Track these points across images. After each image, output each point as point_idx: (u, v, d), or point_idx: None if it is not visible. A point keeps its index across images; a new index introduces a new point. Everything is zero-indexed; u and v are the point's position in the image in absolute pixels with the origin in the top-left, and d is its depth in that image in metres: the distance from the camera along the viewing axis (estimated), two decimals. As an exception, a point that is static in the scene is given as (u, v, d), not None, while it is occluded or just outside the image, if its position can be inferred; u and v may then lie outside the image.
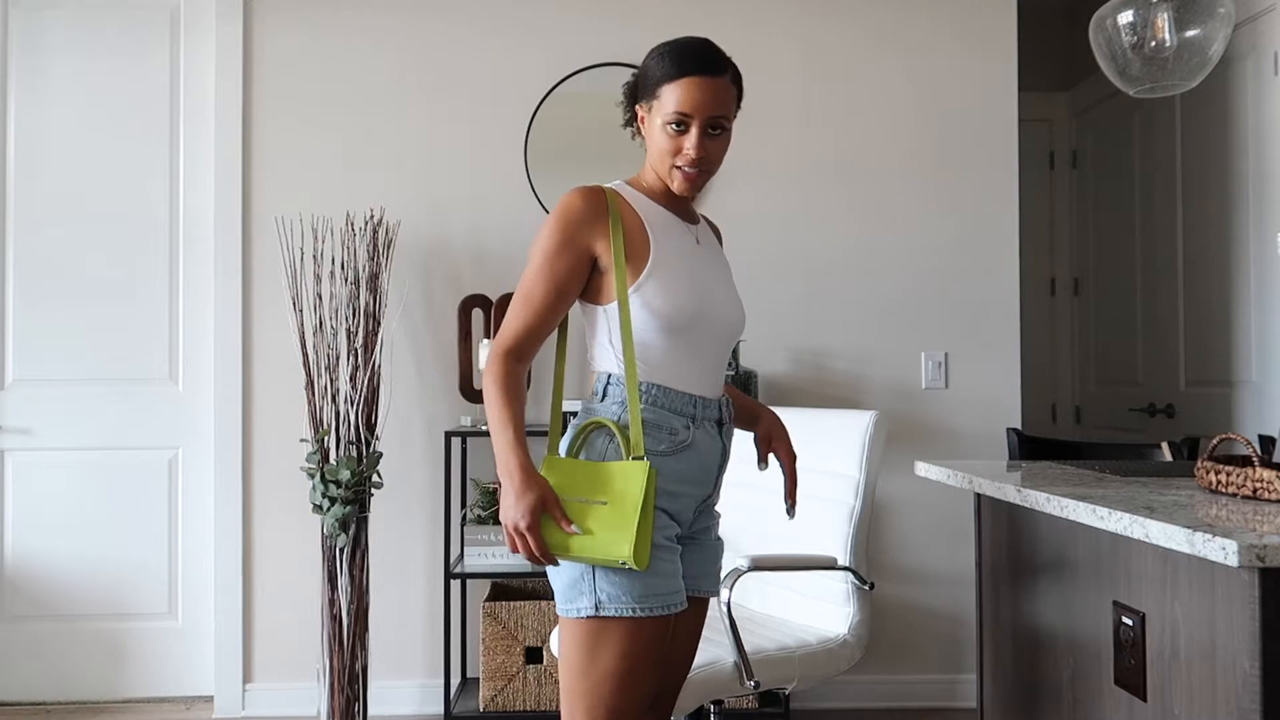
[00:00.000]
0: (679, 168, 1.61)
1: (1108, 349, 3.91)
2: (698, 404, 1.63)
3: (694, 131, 1.58)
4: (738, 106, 1.66)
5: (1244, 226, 3.08)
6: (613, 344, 1.62)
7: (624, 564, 1.49)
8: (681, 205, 1.70)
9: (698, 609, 1.74)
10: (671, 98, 1.58)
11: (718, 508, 1.77)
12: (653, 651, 1.57)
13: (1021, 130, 3.39)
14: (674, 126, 1.58)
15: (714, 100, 1.58)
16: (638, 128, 1.69)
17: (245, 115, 3.25)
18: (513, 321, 1.60)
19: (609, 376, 1.63)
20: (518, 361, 1.59)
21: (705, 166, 1.61)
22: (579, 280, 1.61)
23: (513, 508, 1.50)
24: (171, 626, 3.33)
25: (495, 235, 3.25)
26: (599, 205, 1.60)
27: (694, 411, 1.63)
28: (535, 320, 1.59)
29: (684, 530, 1.66)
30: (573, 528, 1.50)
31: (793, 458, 1.82)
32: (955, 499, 3.19)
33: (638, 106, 1.67)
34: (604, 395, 1.63)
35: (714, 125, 1.59)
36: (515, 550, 1.52)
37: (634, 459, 1.54)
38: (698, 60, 1.59)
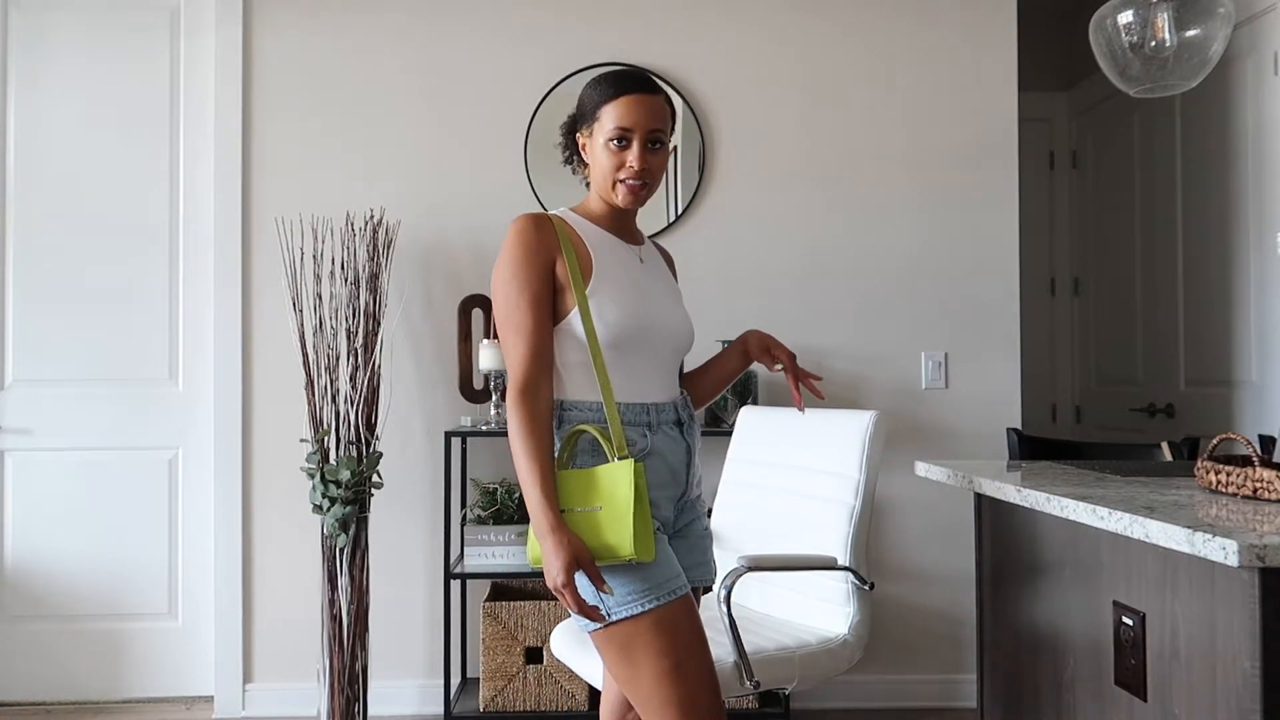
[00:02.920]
0: (623, 181, 1.67)
1: (1108, 349, 3.90)
2: (651, 410, 1.68)
3: (635, 145, 1.65)
4: (672, 129, 1.73)
5: (1244, 226, 3.08)
6: (560, 366, 1.65)
7: (632, 560, 1.53)
8: (625, 227, 1.76)
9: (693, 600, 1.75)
10: (611, 116, 1.65)
11: (709, 504, 1.78)
12: (686, 636, 1.58)
13: (1021, 130, 3.39)
14: (616, 142, 1.66)
15: (652, 114, 1.66)
16: (579, 160, 1.75)
17: (245, 115, 3.25)
18: (514, 358, 1.61)
19: (560, 403, 1.65)
20: (535, 399, 1.58)
21: (647, 179, 1.67)
22: (551, 295, 1.64)
23: (550, 568, 1.52)
24: (171, 626, 3.33)
25: (495, 235, 3.23)
26: (548, 226, 1.66)
27: (649, 419, 1.68)
28: (533, 344, 1.60)
29: (670, 529, 1.72)
30: (606, 588, 1.54)
31: (792, 355, 1.83)
32: (955, 499, 3.19)
33: (578, 135, 1.73)
34: (559, 422, 1.64)
35: (654, 140, 1.67)
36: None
37: (619, 459, 1.58)
38: (633, 80, 1.68)
